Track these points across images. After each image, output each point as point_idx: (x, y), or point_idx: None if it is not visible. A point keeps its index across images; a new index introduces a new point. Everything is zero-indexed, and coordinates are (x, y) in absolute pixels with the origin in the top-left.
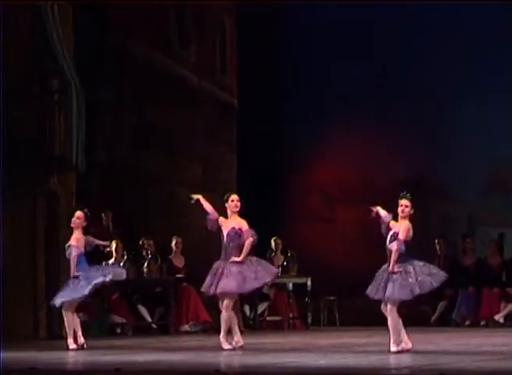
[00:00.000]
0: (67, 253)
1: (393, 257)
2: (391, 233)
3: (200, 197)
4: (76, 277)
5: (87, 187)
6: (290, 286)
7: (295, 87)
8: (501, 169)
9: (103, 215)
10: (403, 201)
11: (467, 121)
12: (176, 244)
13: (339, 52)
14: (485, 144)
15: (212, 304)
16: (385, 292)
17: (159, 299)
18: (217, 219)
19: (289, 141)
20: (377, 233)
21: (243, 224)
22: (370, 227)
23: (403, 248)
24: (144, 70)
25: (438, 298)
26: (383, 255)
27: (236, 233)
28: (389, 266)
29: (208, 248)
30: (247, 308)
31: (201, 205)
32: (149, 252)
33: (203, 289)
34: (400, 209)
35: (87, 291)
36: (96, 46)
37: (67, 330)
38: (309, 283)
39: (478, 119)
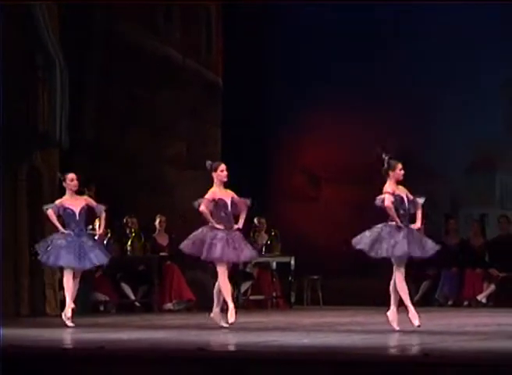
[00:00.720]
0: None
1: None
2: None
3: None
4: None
5: (71, 165)
6: (274, 265)
7: (281, 66)
8: (484, 149)
9: (86, 190)
10: (400, 165)
11: (451, 101)
12: (159, 222)
13: (326, 33)
14: (469, 123)
15: (196, 282)
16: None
17: (143, 277)
18: (211, 201)
19: (275, 121)
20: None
21: (233, 194)
22: (354, 206)
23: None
24: (130, 49)
25: (421, 278)
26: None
27: (234, 202)
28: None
29: (192, 226)
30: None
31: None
32: (133, 230)
33: (223, 259)
34: (401, 173)
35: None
36: (81, 24)
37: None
38: (292, 262)
39: (463, 98)
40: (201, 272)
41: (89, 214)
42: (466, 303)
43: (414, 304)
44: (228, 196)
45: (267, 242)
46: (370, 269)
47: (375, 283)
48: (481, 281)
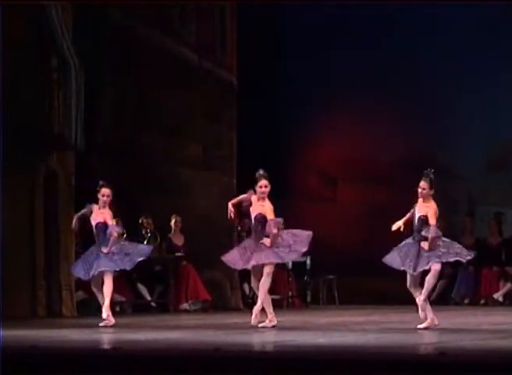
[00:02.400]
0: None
1: (433, 243)
2: (417, 216)
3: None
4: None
5: (87, 167)
6: (290, 265)
7: (296, 66)
8: (500, 148)
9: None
10: (421, 183)
11: (467, 100)
12: (175, 222)
13: (343, 33)
14: (485, 123)
15: (212, 282)
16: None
17: (158, 278)
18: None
19: (290, 120)
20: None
21: (267, 211)
22: (370, 207)
23: (439, 232)
24: (145, 50)
25: (438, 277)
26: (382, 234)
27: (262, 219)
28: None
29: (207, 227)
30: (246, 287)
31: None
32: (148, 231)
33: (235, 265)
34: (419, 191)
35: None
36: (96, 25)
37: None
38: (308, 261)
39: (479, 97)
40: (217, 272)
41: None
42: (482, 302)
43: (430, 303)
44: (256, 210)
45: None
46: (385, 268)
47: (391, 282)
48: (497, 280)
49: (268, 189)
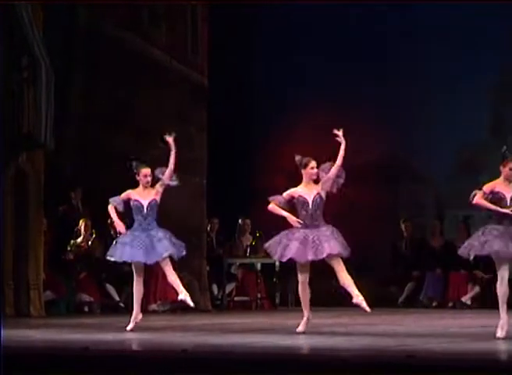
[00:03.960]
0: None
1: None
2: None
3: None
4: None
5: (56, 166)
6: (259, 266)
7: (268, 68)
8: (470, 152)
9: (72, 194)
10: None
11: (437, 105)
12: None
13: (313, 33)
14: (454, 126)
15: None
16: None
17: (127, 278)
18: (287, 200)
19: (261, 122)
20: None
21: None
22: (341, 208)
23: None
24: (115, 50)
25: (405, 280)
26: (352, 235)
27: (321, 201)
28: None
29: (178, 228)
30: (214, 288)
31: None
32: (118, 231)
33: (301, 259)
34: (507, 171)
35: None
36: (66, 25)
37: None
38: (277, 263)
39: (449, 102)
40: (186, 273)
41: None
42: (450, 305)
43: (398, 305)
44: (311, 193)
45: (252, 243)
46: (354, 270)
47: (361, 284)
48: (465, 283)
49: (316, 171)
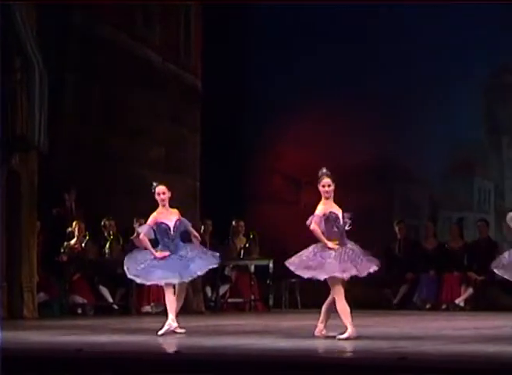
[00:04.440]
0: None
1: None
2: None
3: None
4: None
5: (50, 167)
6: (252, 268)
7: (261, 69)
8: (463, 153)
9: (66, 195)
10: None
11: (431, 106)
12: (138, 225)
13: (305, 34)
14: (447, 127)
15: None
16: None
17: (121, 280)
18: (322, 218)
19: (254, 123)
20: None
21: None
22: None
23: None
24: (109, 51)
25: (399, 282)
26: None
27: (350, 217)
28: None
29: None
30: (208, 290)
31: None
32: (111, 233)
33: (341, 275)
34: None
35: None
36: (60, 26)
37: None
38: (271, 265)
39: (442, 102)
40: None
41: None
42: (444, 307)
43: (392, 307)
44: (339, 208)
45: (245, 245)
46: None
47: (353, 286)
48: (459, 285)
49: (332, 188)
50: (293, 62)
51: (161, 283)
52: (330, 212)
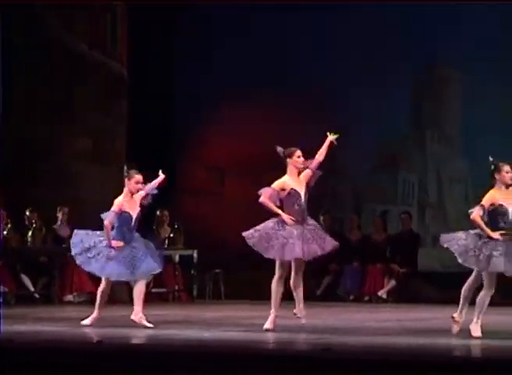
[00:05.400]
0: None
1: None
2: None
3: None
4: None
5: None
6: (177, 258)
7: (187, 59)
8: (388, 147)
9: None
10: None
11: (357, 99)
12: (62, 214)
13: (234, 25)
14: (372, 121)
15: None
16: None
17: (43, 269)
18: (278, 192)
19: (180, 114)
20: None
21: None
22: (257, 203)
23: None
24: (34, 41)
25: (323, 273)
26: None
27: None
28: None
29: (97, 219)
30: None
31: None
32: (33, 221)
33: (305, 257)
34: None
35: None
36: None
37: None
38: (195, 255)
39: (369, 97)
40: None
41: None
42: (367, 298)
43: (316, 299)
44: (302, 185)
45: (170, 235)
46: (270, 263)
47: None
48: (382, 277)
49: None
50: (220, 50)
51: (114, 279)
52: (292, 188)
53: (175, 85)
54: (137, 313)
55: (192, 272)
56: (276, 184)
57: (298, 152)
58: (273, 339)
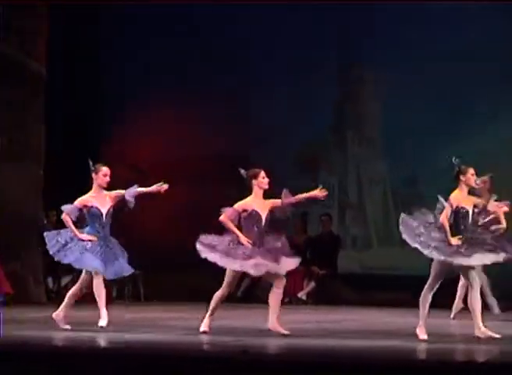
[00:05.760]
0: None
1: None
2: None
3: None
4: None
5: None
6: None
7: (109, 59)
8: (309, 149)
9: None
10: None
11: (278, 102)
12: None
13: (159, 24)
14: (294, 123)
15: (14, 275)
16: None
17: None
18: (239, 212)
19: (101, 113)
20: None
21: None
22: (183, 204)
23: None
24: None
25: (243, 274)
26: (193, 236)
27: (276, 210)
28: None
29: (12, 218)
30: (49, 281)
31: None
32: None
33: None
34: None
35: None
36: None
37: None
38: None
39: (290, 97)
40: (20, 265)
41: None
42: (287, 300)
43: (235, 300)
44: (265, 208)
45: None
46: (189, 266)
47: (199, 279)
48: (302, 278)
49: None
50: (148, 52)
51: (91, 270)
52: (253, 210)
53: (99, 84)
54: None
55: None
56: (239, 205)
57: (262, 173)
58: (190, 340)
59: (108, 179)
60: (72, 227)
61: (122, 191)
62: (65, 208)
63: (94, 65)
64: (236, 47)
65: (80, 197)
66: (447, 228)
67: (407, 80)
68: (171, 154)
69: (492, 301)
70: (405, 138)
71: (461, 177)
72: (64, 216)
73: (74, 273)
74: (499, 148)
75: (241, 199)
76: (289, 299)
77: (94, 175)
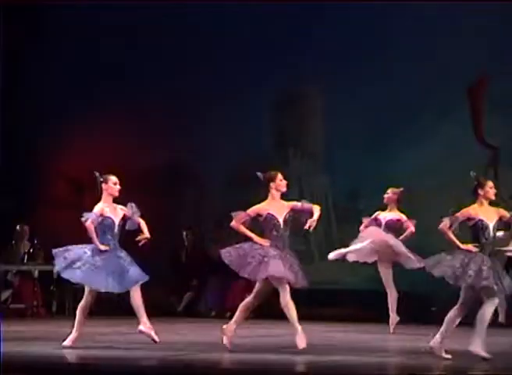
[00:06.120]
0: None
1: None
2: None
3: None
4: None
5: None
6: (36, 273)
7: (44, 67)
8: (252, 161)
9: None
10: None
11: (220, 113)
12: None
13: (105, 28)
14: (236, 138)
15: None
16: None
17: None
18: (251, 216)
19: (37, 125)
20: None
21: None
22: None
23: None
24: None
25: (184, 289)
26: (133, 247)
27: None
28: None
29: None
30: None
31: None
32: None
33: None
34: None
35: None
36: None
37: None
38: (55, 271)
39: (230, 114)
40: None
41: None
42: (229, 314)
43: (177, 314)
44: (283, 210)
45: (29, 250)
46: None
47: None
48: (244, 292)
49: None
50: (88, 61)
51: (103, 290)
52: (269, 213)
53: (30, 94)
54: (145, 324)
55: (52, 287)
56: (252, 209)
57: (280, 176)
58: (131, 356)
59: (118, 187)
60: (95, 237)
61: (125, 208)
62: (90, 216)
63: (24, 72)
64: (179, 58)
65: (17, 211)
66: (447, 232)
67: (347, 94)
68: (108, 166)
69: (502, 306)
70: (346, 152)
71: (479, 191)
72: (89, 225)
73: (13, 288)
74: (439, 164)
75: (256, 204)
76: (232, 314)
77: (103, 185)
